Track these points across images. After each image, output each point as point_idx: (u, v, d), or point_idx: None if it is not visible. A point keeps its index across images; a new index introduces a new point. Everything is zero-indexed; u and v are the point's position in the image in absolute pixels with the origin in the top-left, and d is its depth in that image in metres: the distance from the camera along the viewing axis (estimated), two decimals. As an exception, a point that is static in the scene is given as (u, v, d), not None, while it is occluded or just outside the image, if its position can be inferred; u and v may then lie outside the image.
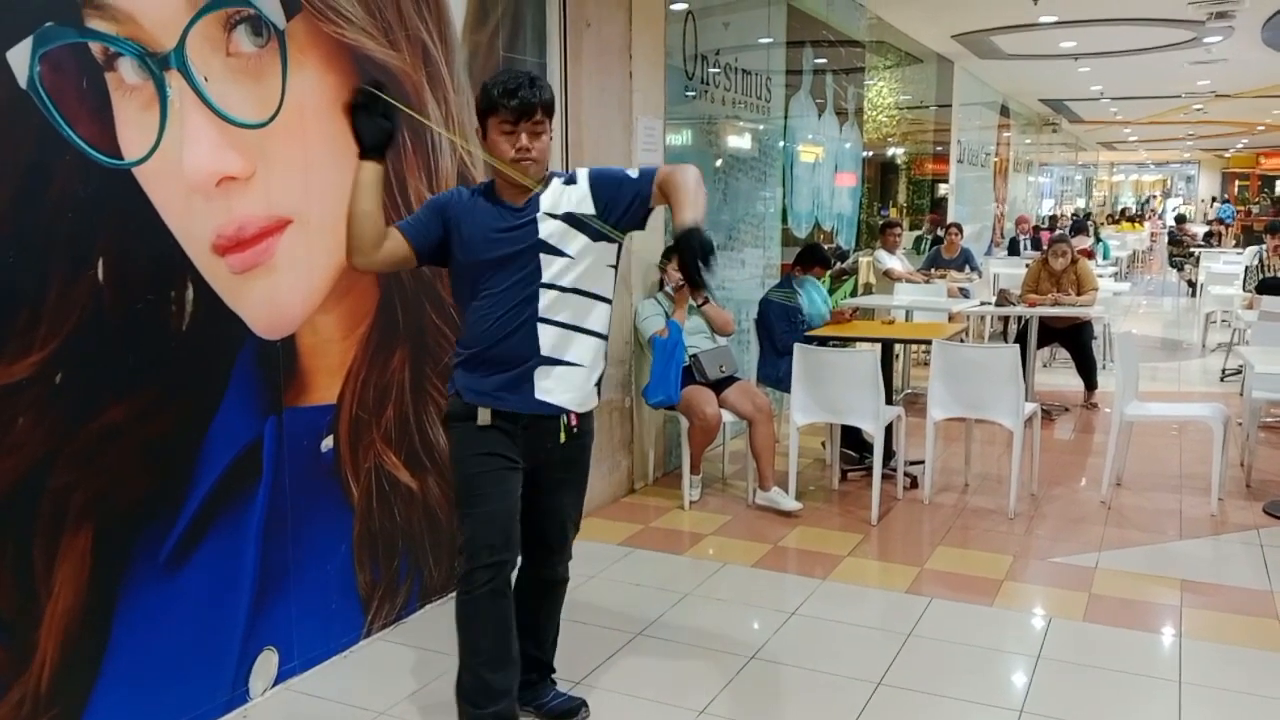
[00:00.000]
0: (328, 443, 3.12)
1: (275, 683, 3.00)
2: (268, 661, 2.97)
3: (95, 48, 2.38)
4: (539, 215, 2.51)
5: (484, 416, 2.51)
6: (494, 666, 2.54)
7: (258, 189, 2.81)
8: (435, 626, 3.41)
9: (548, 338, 2.51)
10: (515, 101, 2.43)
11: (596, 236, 2.53)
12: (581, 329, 2.56)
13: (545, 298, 2.50)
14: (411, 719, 2.87)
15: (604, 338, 2.63)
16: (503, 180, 2.53)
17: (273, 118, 2.83)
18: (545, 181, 2.55)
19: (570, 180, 2.58)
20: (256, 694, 2.94)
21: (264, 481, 2.90)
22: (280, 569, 2.99)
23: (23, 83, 2.23)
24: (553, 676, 2.89)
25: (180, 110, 2.57)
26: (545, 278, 2.50)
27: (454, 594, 2.56)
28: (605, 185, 2.57)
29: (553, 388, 2.53)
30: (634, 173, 2.59)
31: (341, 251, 3.11)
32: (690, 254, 2.27)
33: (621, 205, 2.55)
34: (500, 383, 2.51)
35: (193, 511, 2.70)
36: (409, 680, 3.08)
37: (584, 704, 2.87)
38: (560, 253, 2.51)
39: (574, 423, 2.61)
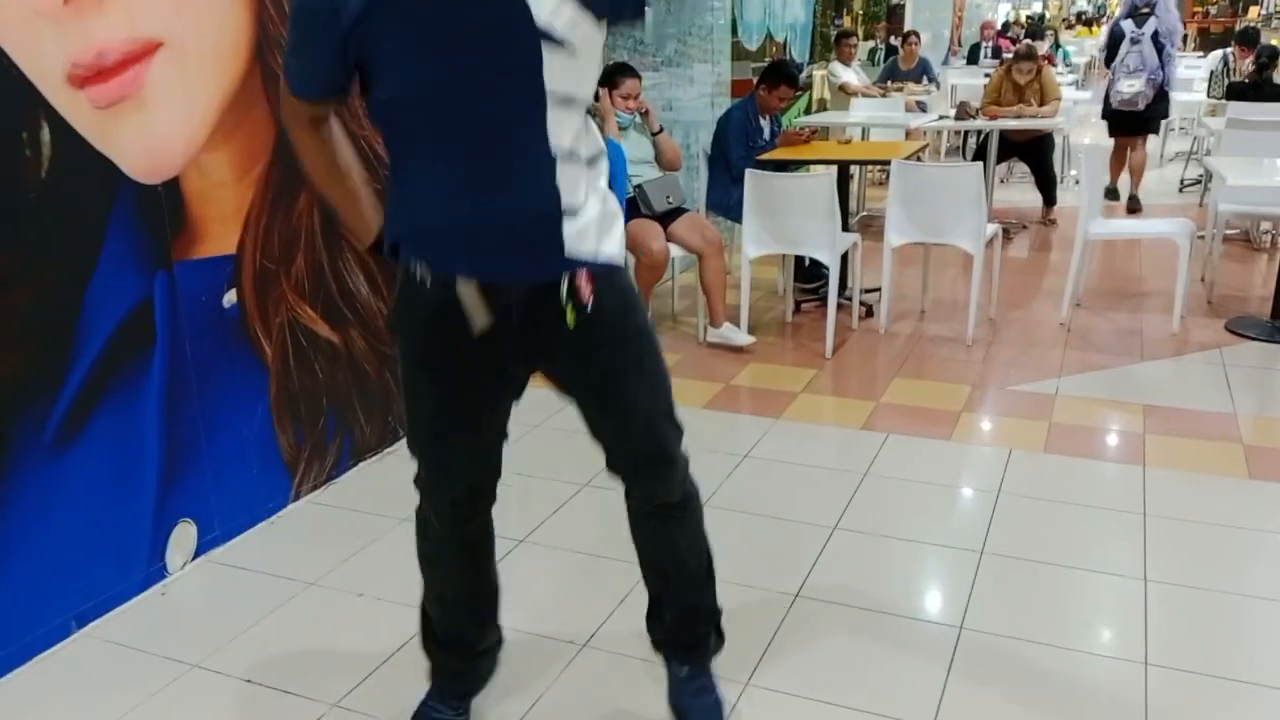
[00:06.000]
0: (230, 298, 2.81)
1: (195, 555, 2.81)
2: (185, 534, 2.77)
3: None
4: None
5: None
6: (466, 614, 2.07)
7: (116, 7, 2.39)
8: (369, 485, 3.23)
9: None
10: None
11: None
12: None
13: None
14: (348, 587, 2.69)
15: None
16: None
17: (126, -81, 2.40)
18: None
19: None
20: (175, 568, 2.75)
21: (159, 345, 2.61)
22: (190, 437, 2.74)
23: None
24: None
25: (4, -90, 2.14)
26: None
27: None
28: None
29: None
30: None
31: (226, 81, 2.75)
32: None
33: None
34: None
35: (77, 384, 2.42)
36: (343, 545, 2.89)
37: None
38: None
39: (586, 297, 1.73)
